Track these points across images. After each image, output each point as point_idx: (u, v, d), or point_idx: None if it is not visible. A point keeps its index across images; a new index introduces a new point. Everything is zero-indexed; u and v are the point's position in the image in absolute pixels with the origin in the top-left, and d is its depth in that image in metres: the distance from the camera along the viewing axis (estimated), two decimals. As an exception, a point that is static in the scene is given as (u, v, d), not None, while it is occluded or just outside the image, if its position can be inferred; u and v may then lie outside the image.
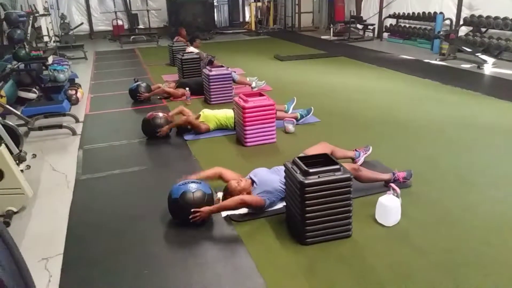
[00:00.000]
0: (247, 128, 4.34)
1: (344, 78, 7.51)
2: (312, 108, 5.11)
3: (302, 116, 5.03)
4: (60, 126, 4.95)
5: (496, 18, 8.33)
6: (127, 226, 3.05)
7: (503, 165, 3.81)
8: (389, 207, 2.86)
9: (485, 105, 5.63)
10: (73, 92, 6.35)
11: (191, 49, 8.16)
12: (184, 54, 7.35)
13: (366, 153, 3.87)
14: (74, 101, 6.28)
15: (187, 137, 4.72)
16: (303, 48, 11.12)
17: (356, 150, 3.83)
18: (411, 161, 3.92)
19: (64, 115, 5.46)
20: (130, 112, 5.89)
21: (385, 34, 11.98)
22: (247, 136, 4.37)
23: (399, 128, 4.86)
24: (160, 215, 3.16)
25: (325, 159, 2.85)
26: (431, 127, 4.85)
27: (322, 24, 15.40)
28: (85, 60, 10.26)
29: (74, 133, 4.96)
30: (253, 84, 6.64)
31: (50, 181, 3.82)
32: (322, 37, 12.98)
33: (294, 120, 4.82)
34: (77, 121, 5.42)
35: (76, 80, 7.32)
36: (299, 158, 2.80)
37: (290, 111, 5.26)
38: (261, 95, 4.53)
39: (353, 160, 3.77)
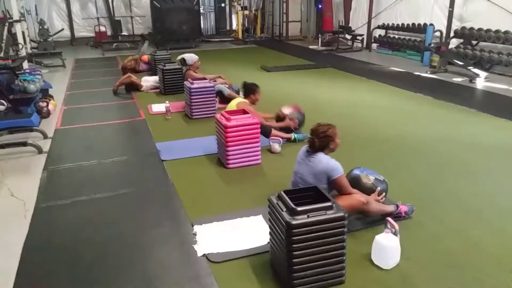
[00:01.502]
0: (230, 148, 3.97)
1: (333, 91, 7.21)
2: (308, 135, 4.73)
3: (295, 140, 4.66)
4: (24, 144, 4.51)
5: (488, 30, 8.14)
6: (90, 267, 2.65)
7: (508, 192, 3.50)
8: (388, 248, 2.52)
9: (481, 123, 5.36)
10: (44, 104, 5.92)
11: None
12: (166, 64, 6.97)
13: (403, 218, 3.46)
14: (45, 114, 5.84)
15: (163, 156, 4.33)
16: (290, 58, 10.83)
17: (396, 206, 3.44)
18: (407, 186, 3.60)
19: (32, 130, 5.02)
20: (104, 127, 5.47)
21: (374, 45, 11.77)
22: (229, 157, 4.00)
23: (393, 148, 4.55)
24: (130, 252, 2.77)
25: (315, 193, 2.50)
26: (427, 147, 4.55)
27: (310, 34, 15.17)
28: (63, 68, 9.79)
29: (40, 151, 4.53)
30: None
31: (5, 210, 3.39)
32: (310, 46, 12.72)
33: (281, 140, 4.47)
34: (45, 137, 4.99)
35: (50, 91, 6.85)
36: (286, 192, 2.44)
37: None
38: (244, 112, 4.17)
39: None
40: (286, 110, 4.83)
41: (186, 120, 5.65)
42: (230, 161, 4.02)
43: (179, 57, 6.86)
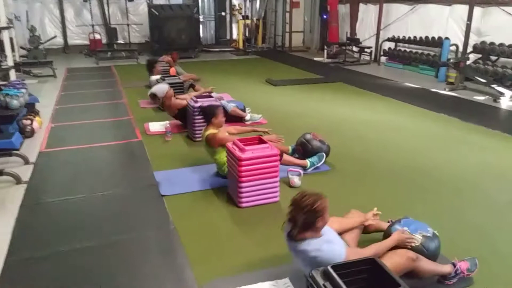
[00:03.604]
0: (244, 184, 3.34)
1: (349, 110, 6.60)
2: (324, 154, 4.15)
3: (312, 164, 4.06)
4: None
5: (511, 46, 7.61)
6: None
7: None
8: None
9: (522, 150, 4.78)
10: (28, 122, 5.26)
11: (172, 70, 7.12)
12: (166, 78, 6.34)
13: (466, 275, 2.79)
14: (29, 133, 5.19)
15: (164, 191, 3.68)
16: (296, 71, 10.25)
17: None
18: (458, 237, 2.98)
19: (11, 154, 4.36)
20: (95, 150, 4.81)
21: (383, 58, 11.23)
22: (243, 194, 3.37)
23: (428, 181, 3.93)
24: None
25: (373, 266, 1.88)
26: (469, 180, 3.94)
27: (314, 45, 14.63)
28: (53, 79, 9.13)
29: (18, 181, 3.87)
30: (248, 117, 5.66)
31: (-33, 265, 2.73)
32: (315, 58, 12.16)
33: (301, 171, 3.85)
34: (26, 162, 4.33)
35: (37, 105, 6.20)
36: (334, 267, 1.81)
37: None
38: (261, 141, 3.55)
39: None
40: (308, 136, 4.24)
41: (188, 142, 5.02)
42: (244, 199, 3.38)
43: (149, 92, 5.91)
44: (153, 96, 5.68)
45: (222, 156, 3.77)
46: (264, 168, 3.36)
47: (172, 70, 7.92)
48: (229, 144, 3.51)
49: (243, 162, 3.28)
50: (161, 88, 5.60)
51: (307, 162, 4.04)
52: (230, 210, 3.39)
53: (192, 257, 2.74)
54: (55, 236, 3.04)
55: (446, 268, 2.42)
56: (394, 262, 2.18)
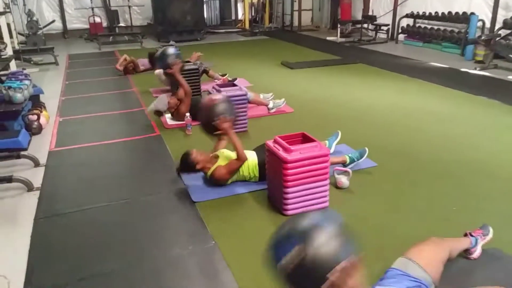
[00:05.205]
0: (290, 190, 2.91)
1: (375, 93, 6.12)
2: (367, 149, 3.68)
3: (352, 161, 3.61)
4: (9, 180, 3.41)
5: (546, 20, 7.09)
6: None
7: None
8: None
9: None
10: (35, 117, 4.80)
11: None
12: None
13: (484, 239, 2.49)
14: (36, 130, 4.74)
15: (195, 196, 3.26)
16: (310, 52, 9.71)
17: (470, 235, 2.45)
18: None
19: (19, 156, 3.91)
20: (111, 148, 4.37)
21: (401, 36, 10.66)
22: (289, 201, 2.94)
23: (489, 179, 3.47)
24: None
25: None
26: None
27: (323, 24, 14.01)
28: (55, 66, 8.62)
29: (30, 188, 3.44)
30: (270, 105, 5.19)
31: (-21, 298, 2.33)
32: (328, 38, 11.58)
33: (350, 171, 3.41)
34: (36, 164, 3.90)
35: (41, 97, 5.73)
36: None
37: (332, 149, 3.85)
38: (306, 138, 3.10)
39: (468, 250, 2.41)
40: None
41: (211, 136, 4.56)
42: (290, 206, 2.96)
43: (150, 109, 5.09)
44: (158, 113, 5.04)
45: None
46: (313, 170, 2.93)
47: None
48: (270, 143, 3.07)
49: (290, 165, 2.85)
50: (161, 101, 4.99)
51: (347, 158, 3.59)
52: (274, 219, 2.96)
53: (241, 282, 2.33)
54: (77, 256, 2.63)
55: (466, 241, 2.35)
56: (430, 254, 1.97)
